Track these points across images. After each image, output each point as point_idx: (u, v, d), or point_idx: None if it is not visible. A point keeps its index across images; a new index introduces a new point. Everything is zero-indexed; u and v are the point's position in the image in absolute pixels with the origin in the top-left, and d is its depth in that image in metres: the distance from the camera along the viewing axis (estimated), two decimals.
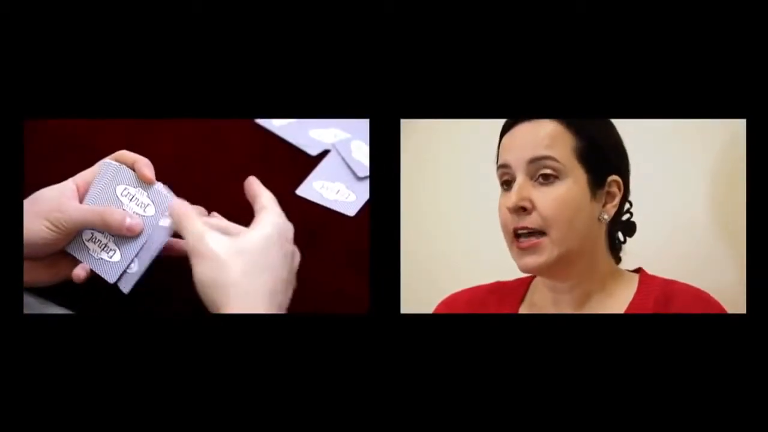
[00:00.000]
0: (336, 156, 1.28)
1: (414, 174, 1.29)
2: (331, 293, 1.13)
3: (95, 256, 1.06)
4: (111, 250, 1.06)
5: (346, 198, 1.24)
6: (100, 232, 1.06)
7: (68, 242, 1.06)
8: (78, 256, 1.06)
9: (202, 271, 0.99)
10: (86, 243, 1.06)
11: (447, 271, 1.32)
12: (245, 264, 0.98)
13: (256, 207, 1.05)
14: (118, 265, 1.06)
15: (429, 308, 1.15)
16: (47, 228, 1.03)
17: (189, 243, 1.00)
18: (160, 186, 1.07)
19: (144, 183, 1.06)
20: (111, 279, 1.06)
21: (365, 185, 1.25)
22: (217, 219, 1.07)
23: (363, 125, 1.27)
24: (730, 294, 1.13)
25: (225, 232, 1.02)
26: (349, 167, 1.27)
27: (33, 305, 1.09)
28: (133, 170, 1.06)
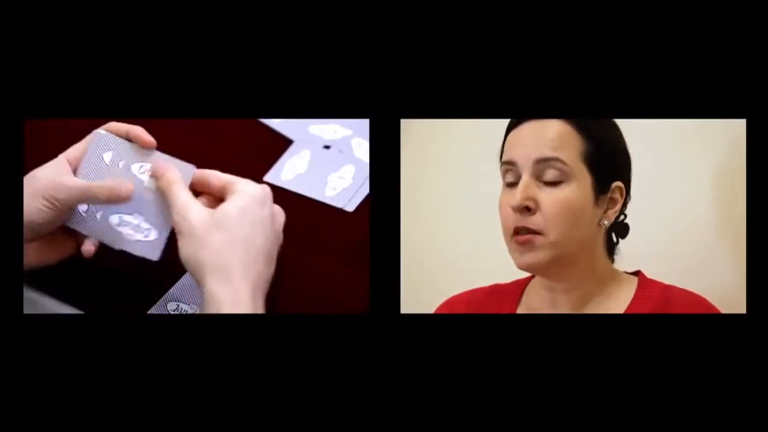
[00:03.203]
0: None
1: (414, 174, 1.29)
2: (330, 292, 1.13)
3: (131, 239, 1.07)
4: (145, 229, 1.08)
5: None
6: (128, 213, 1.08)
7: (95, 230, 1.08)
8: (112, 243, 1.08)
9: (182, 247, 1.02)
10: (117, 228, 1.08)
11: (447, 271, 1.32)
12: (220, 239, 1.01)
13: (222, 185, 1.06)
14: (157, 243, 1.08)
15: (429, 308, 1.15)
16: (44, 206, 1.04)
17: (173, 216, 1.03)
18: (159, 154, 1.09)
19: (142, 150, 1.08)
20: (155, 257, 1.08)
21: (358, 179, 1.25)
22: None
23: (362, 120, 1.26)
24: (730, 294, 1.13)
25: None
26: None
27: (36, 302, 1.10)
28: (128, 140, 1.09)
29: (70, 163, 1.07)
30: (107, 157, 1.08)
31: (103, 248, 1.12)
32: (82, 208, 1.08)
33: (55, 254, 1.09)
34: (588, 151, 1.03)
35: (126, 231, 1.08)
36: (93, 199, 1.06)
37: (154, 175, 1.07)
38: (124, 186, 1.06)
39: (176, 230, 1.03)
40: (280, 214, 1.07)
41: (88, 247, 1.08)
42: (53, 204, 1.04)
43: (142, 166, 1.08)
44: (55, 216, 1.05)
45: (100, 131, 1.09)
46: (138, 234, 1.08)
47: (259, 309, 1.01)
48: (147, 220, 1.08)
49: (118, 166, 1.08)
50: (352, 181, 1.24)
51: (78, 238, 1.09)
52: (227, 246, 1.01)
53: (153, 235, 1.08)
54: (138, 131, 1.09)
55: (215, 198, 1.06)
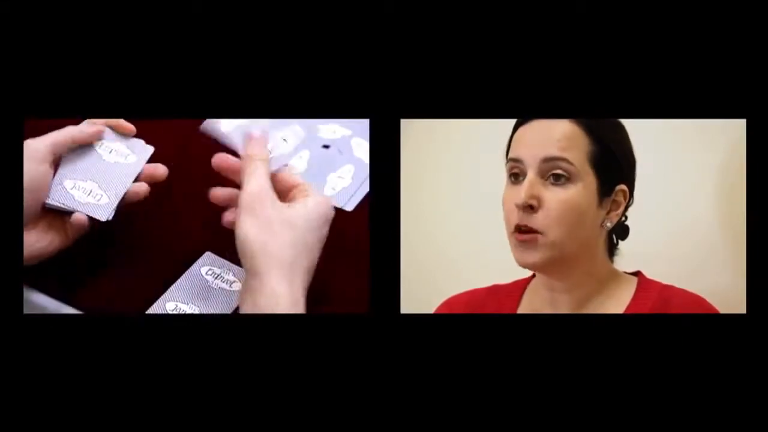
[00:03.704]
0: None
1: (414, 174, 1.29)
2: (330, 292, 1.13)
3: (82, 201, 1.09)
4: (97, 194, 1.10)
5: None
6: (82, 180, 1.10)
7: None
8: (65, 204, 1.09)
9: (247, 227, 1.02)
10: (70, 191, 1.10)
11: (447, 271, 1.32)
12: (290, 237, 1.02)
13: (292, 184, 1.08)
14: (108, 207, 1.10)
15: (429, 308, 1.15)
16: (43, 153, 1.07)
17: (246, 195, 1.04)
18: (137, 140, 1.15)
19: (124, 135, 1.14)
20: (102, 218, 1.09)
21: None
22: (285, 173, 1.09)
23: (362, 120, 1.26)
24: (730, 294, 1.13)
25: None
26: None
27: (35, 302, 1.10)
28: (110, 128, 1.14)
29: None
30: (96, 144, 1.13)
31: (102, 247, 1.12)
32: (68, 184, 1.10)
33: (53, 242, 1.09)
34: (595, 152, 1.03)
35: (78, 194, 1.10)
36: (72, 138, 1.10)
37: (248, 139, 1.08)
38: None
39: (244, 206, 1.03)
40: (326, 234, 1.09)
41: (79, 216, 1.08)
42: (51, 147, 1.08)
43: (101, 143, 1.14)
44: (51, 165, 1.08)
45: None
46: (89, 197, 1.10)
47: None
48: (100, 187, 1.11)
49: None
50: (351, 181, 1.24)
51: (67, 223, 1.10)
52: (294, 246, 1.02)
53: (104, 200, 1.10)
54: (118, 120, 1.13)
55: (280, 193, 1.07)
